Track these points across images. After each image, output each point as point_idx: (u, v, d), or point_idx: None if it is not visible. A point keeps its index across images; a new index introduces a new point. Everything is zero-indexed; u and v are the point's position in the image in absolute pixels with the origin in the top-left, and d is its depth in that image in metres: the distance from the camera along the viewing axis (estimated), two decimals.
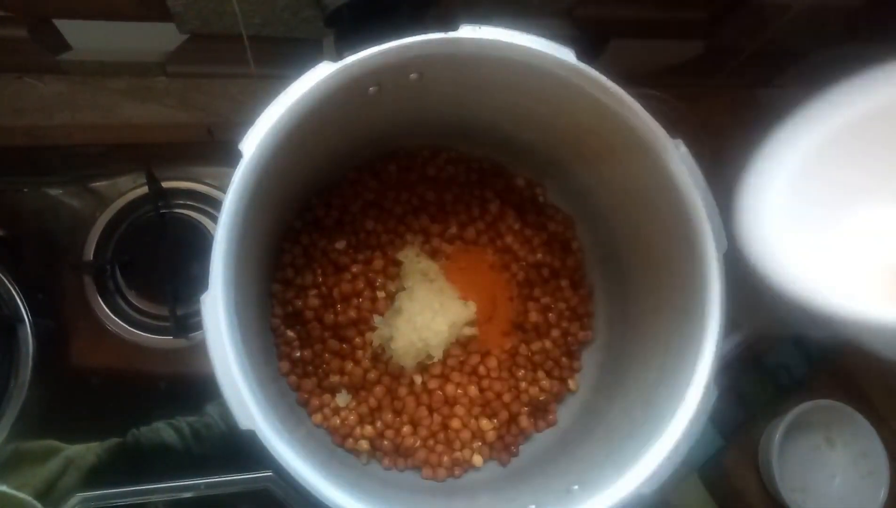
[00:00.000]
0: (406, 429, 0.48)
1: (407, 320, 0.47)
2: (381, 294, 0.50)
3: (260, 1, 0.53)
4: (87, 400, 0.55)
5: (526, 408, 0.50)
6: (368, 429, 0.48)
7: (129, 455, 0.51)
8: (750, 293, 0.58)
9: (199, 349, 0.56)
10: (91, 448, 0.51)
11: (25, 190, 0.59)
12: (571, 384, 0.52)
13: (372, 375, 0.49)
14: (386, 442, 0.48)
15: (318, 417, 0.48)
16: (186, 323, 0.56)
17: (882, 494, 0.59)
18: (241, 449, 0.51)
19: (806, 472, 0.62)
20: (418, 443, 0.48)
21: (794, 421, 0.59)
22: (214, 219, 0.59)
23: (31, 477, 0.49)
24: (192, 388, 0.55)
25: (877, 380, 0.64)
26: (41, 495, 0.48)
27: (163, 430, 0.52)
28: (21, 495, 0.42)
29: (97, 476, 0.50)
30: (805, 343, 0.65)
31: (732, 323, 0.40)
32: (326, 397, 0.49)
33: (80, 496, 0.46)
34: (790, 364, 0.65)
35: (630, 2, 0.58)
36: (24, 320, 0.53)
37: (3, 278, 0.54)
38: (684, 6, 0.59)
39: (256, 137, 0.36)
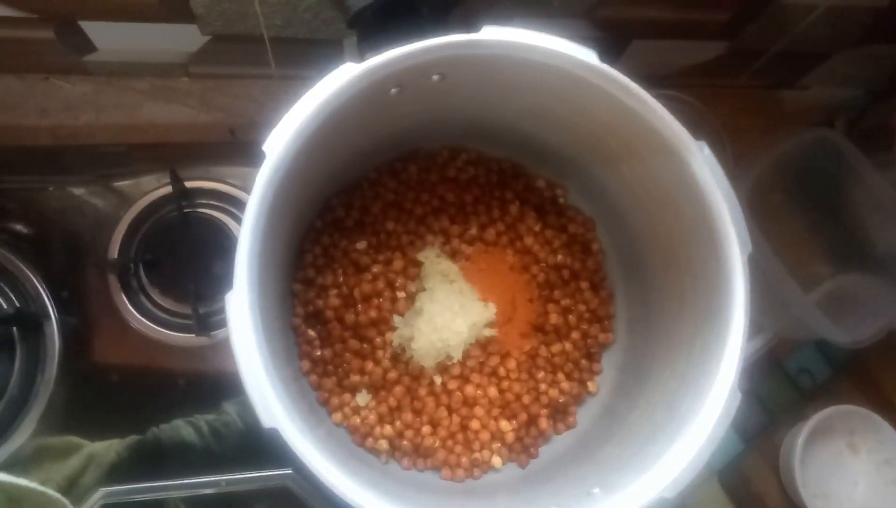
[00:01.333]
0: (425, 429, 0.48)
1: (427, 321, 0.47)
2: (401, 294, 0.50)
3: (281, 3, 0.53)
4: (110, 397, 0.55)
5: (545, 410, 0.50)
6: (388, 429, 0.48)
7: (149, 452, 0.52)
8: (772, 296, 0.58)
9: (221, 347, 0.57)
10: (112, 446, 0.52)
11: (51, 189, 0.60)
12: (591, 386, 0.51)
13: (392, 375, 0.49)
14: (405, 442, 0.48)
15: (338, 416, 0.48)
16: (208, 321, 0.57)
17: None
18: (258, 447, 0.51)
19: (828, 478, 0.61)
20: (437, 444, 0.48)
21: (817, 426, 0.58)
22: (237, 218, 0.60)
23: (53, 473, 0.50)
24: (211, 385, 0.56)
25: None
26: (62, 491, 0.49)
27: (182, 428, 0.53)
28: (50, 491, 0.42)
29: (117, 473, 0.51)
30: (828, 347, 0.65)
31: (754, 326, 0.39)
32: (346, 396, 0.49)
33: (103, 490, 0.47)
34: (812, 368, 0.65)
35: (651, 2, 0.58)
36: (50, 317, 0.54)
37: (30, 275, 0.55)
38: (707, 6, 0.59)
39: (280, 139, 0.37)
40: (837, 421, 0.60)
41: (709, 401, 0.37)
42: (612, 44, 0.62)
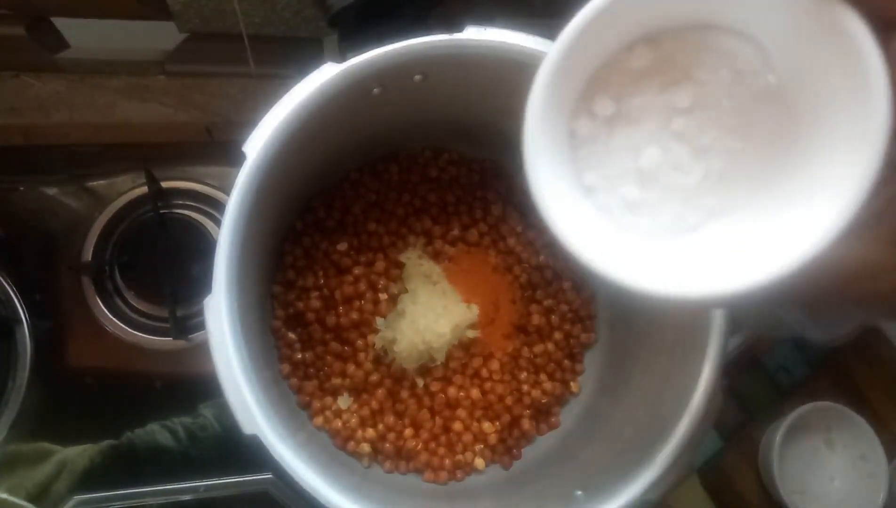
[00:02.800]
0: (408, 432, 0.48)
1: (409, 322, 0.47)
2: (383, 296, 0.50)
3: (260, 0, 0.52)
4: (84, 402, 0.54)
5: (528, 411, 0.50)
6: (370, 432, 0.48)
7: (123, 458, 0.51)
8: None
9: (199, 350, 0.56)
10: (85, 451, 0.50)
11: (22, 189, 0.59)
12: (573, 386, 0.51)
13: (374, 378, 0.48)
14: (387, 445, 0.48)
15: (319, 420, 0.48)
16: (186, 324, 0.56)
17: (881, 496, 0.59)
18: (237, 451, 0.51)
19: (805, 474, 0.62)
20: (420, 446, 0.48)
21: (794, 422, 0.59)
22: (214, 219, 0.59)
23: (24, 480, 0.49)
24: (188, 388, 0.55)
25: (877, 383, 0.64)
26: (34, 498, 0.48)
27: (158, 433, 0.52)
28: (19, 501, 0.41)
29: (91, 479, 0.50)
30: (805, 345, 0.65)
31: (733, 324, 0.40)
32: (328, 399, 0.48)
33: (77, 498, 0.46)
34: (790, 365, 0.66)
35: None
36: (21, 321, 0.53)
37: (0, 279, 0.53)
38: None
39: (260, 139, 0.36)
40: (814, 418, 0.60)
41: (691, 402, 0.37)
42: None
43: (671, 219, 0.24)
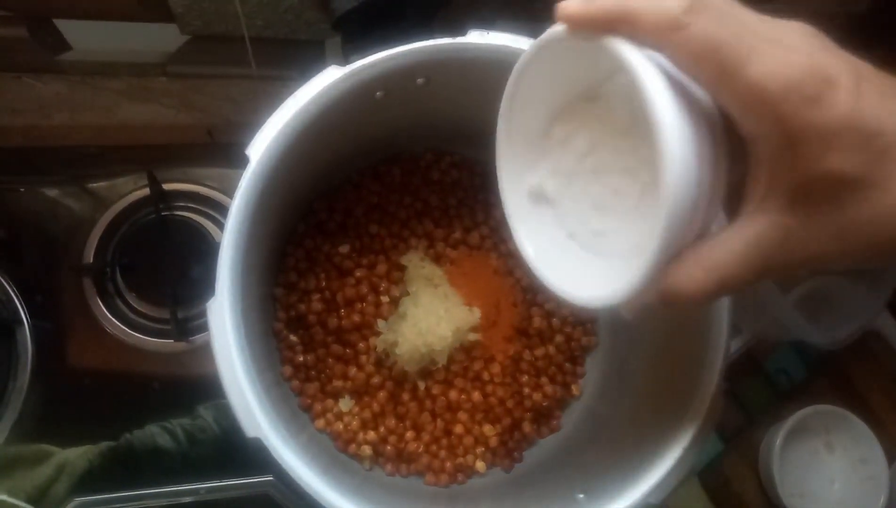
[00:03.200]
0: (409, 435, 0.48)
1: (411, 325, 0.47)
2: (384, 299, 0.50)
3: (263, 3, 0.52)
4: (84, 404, 0.54)
5: (529, 414, 0.50)
6: (371, 435, 0.48)
7: (122, 459, 0.51)
8: (750, 298, 0.58)
9: (200, 352, 0.56)
10: (84, 453, 0.50)
11: (22, 190, 0.59)
12: (575, 389, 0.51)
13: (375, 380, 0.48)
14: (389, 448, 0.48)
15: (320, 422, 0.48)
16: (187, 326, 0.56)
17: (881, 500, 0.59)
18: (236, 453, 0.51)
19: (805, 477, 0.62)
20: (421, 449, 0.48)
21: (794, 425, 0.59)
22: (215, 221, 0.59)
23: (23, 482, 0.49)
24: (188, 389, 0.55)
25: (876, 385, 0.64)
26: (33, 500, 0.48)
27: (157, 434, 0.52)
28: (18, 503, 0.41)
29: (90, 481, 0.49)
30: (804, 348, 0.66)
31: (733, 327, 0.40)
32: (329, 402, 0.48)
33: (77, 500, 0.46)
34: (790, 368, 0.66)
35: None
36: (22, 322, 0.53)
37: (1, 280, 0.53)
38: None
39: (264, 142, 0.36)
40: (814, 421, 0.61)
41: (693, 405, 0.37)
42: None
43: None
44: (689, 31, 0.23)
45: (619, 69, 0.25)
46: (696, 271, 0.25)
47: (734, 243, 0.25)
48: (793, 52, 0.23)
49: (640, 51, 0.24)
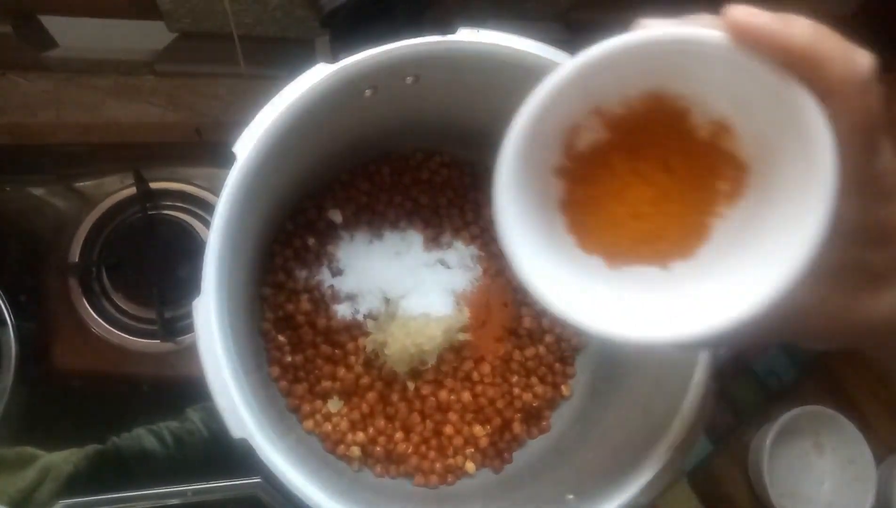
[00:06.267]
0: (398, 436, 0.48)
1: (401, 325, 0.47)
2: None
3: (251, 0, 0.52)
4: (70, 405, 0.54)
5: (519, 414, 0.50)
6: (360, 436, 0.47)
7: (108, 463, 0.50)
8: None
9: (187, 352, 0.56)
10: (69, 456, 0.50)
11: (8, 189, 0.58)
12: (565, 389, 0.51)
13: (364, 381, 0.48)
14: (378, 449, 0.47)
15: (309, 423, 0.47)
16: (174, 327, 0.55)
17: (869, 500, 0.59)
18: (224, 455, 0.50)
19: (795, 478, 0.62)
20: (410, 450, 0.48)
21: (784, 426, 0.59)
22: (203, 220, 0.59)
23: (6, 486, 0.48)
24: (176, 391, 0.54)
25: (865, 387, 0.65)
26: (17, 504, 0.47)
27: (144, 437, 0.51)
28: (2, 507, 0.40)
29: (76, 485, 0.49)
30: (794, 349, 0.66)
31: None
32: (318, 403, 0.48)
33: (62, 503, 0.45)
34: (779, 370, 0.66)
35: (624, 6, 0.58)
36: (6, 323, 0.52)
37: None
38: (679, 11, 0.60)
39: (251, 140, 0.36)
40: (803, 422, 0.61)
41: (683, 406, 0.37)
42: (585, 47, 0.62)
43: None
44: (873, 96, 0.20)
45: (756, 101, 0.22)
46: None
47: None
48: None
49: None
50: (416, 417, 0.48)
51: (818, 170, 0.20)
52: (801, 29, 0.20)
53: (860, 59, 0.20)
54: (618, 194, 0.26)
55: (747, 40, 0.21)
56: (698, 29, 0.22)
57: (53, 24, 0.54)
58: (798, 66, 0.20)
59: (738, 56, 0.21)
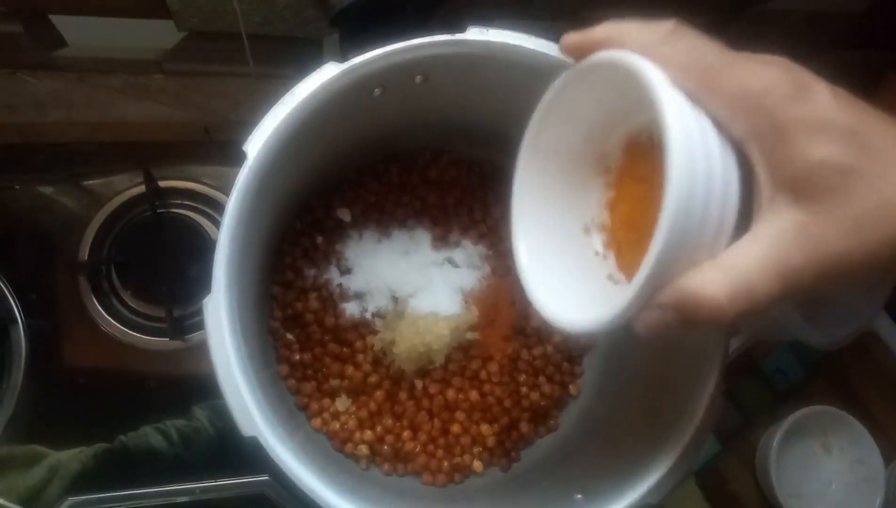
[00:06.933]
0: (406, 434, 0.48)
1: (409, 324, 0.47)
2: None
3: None
4: (79, 403, 0.54)
5: (527, 414, 0.50)
6: (368, 434, 0.47)
7: (116, 461, 0.51)
8: None
9: (195, 350, 0.56)
10: (77, 455, 0.50)
11: (17, 188, 0.58)
12: (573, 389, 0.51)
13: (372, 379, 0.48)
14: (386, 447, 0.47)
15: (317, 421, 0.48)
16: (183, 325, 0.55)
17: (878, 501, 0.59)
18: (230, 454, 0.50)
19: (803, 478, 0.62)
20: (418, 448, 0.48)
21: (792, 426, 0.59)
22: (212, 218, 0.59)
23: (15, 484, 0.48)
24: (184, 389, 0.54)
25: (873, 387, 0.64)
26: (26, 502, 0.47)
27: (151, 436, 0.51)
28: (10, 505, 0.41)
29: (83, 483, 0.49)
30: (802, 348, 0.66)
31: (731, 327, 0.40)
32: (326, 401, 0.48)
33: (71, 500, 0.45)
34: (787, 369, 0.66)
35: (632, 6, 0.58)
36: (16, 321, 0.52)
37: None
38: (687, 12, 0.59)
39: (261, 138, 0.36)
40: (811, 422, 0.61)
41: (692, 406, 0.37)
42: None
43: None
44: (674, 45, 0.26)
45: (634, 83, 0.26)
46: (714, 273, 0.24)
47: (751, 245, 0.25)
48: (769, 63, 0.25)
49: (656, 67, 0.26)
50: (423, 416, 0.48)
51: (663, 120, 0.24)
52: (599, 28, 0.29)
53: (655, 25, 0.27)
54: None
55: (575, 52, 0.30)
56: (603, 53, 0.29)
57: (63, 23, 0.54)
58: (611, 46, 0.28)
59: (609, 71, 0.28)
